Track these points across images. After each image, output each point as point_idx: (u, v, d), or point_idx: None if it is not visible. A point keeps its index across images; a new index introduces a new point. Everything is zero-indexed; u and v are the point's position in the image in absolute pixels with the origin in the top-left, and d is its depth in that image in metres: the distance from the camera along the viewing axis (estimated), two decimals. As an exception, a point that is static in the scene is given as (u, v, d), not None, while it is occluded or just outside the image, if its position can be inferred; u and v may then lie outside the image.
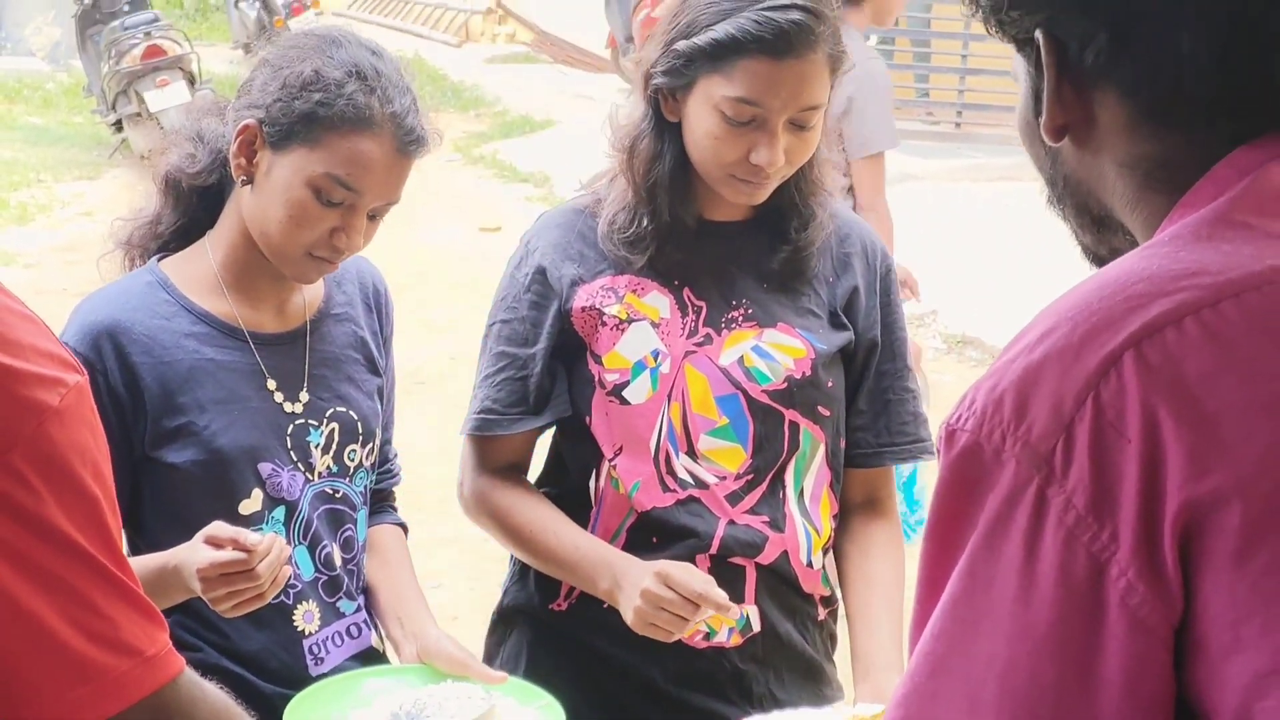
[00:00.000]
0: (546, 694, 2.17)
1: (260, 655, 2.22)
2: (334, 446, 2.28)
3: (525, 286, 2.31)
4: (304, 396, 2.27)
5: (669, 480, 2.26)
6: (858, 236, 2.38)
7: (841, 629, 2.42)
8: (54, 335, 1.37)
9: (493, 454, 2.36)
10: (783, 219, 2.30)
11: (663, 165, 2.24)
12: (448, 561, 5.17)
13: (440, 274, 8.99)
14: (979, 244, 8.90)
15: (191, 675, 1.42)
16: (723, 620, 2.24)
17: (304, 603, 2.25)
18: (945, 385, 6.45)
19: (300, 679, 2.21)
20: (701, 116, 2.18)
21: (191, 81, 11.03)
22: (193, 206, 2.28)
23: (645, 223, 2.25)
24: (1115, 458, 1.01)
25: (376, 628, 2.36)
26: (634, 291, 2.28)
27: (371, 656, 2.34)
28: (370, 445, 2.34)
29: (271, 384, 2.24)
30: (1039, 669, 1.01)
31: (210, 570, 2.00)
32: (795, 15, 2.13)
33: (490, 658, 2.42)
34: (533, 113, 14.39)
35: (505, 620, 2.45)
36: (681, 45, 2.17)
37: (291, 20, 13.33)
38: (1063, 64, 1.16)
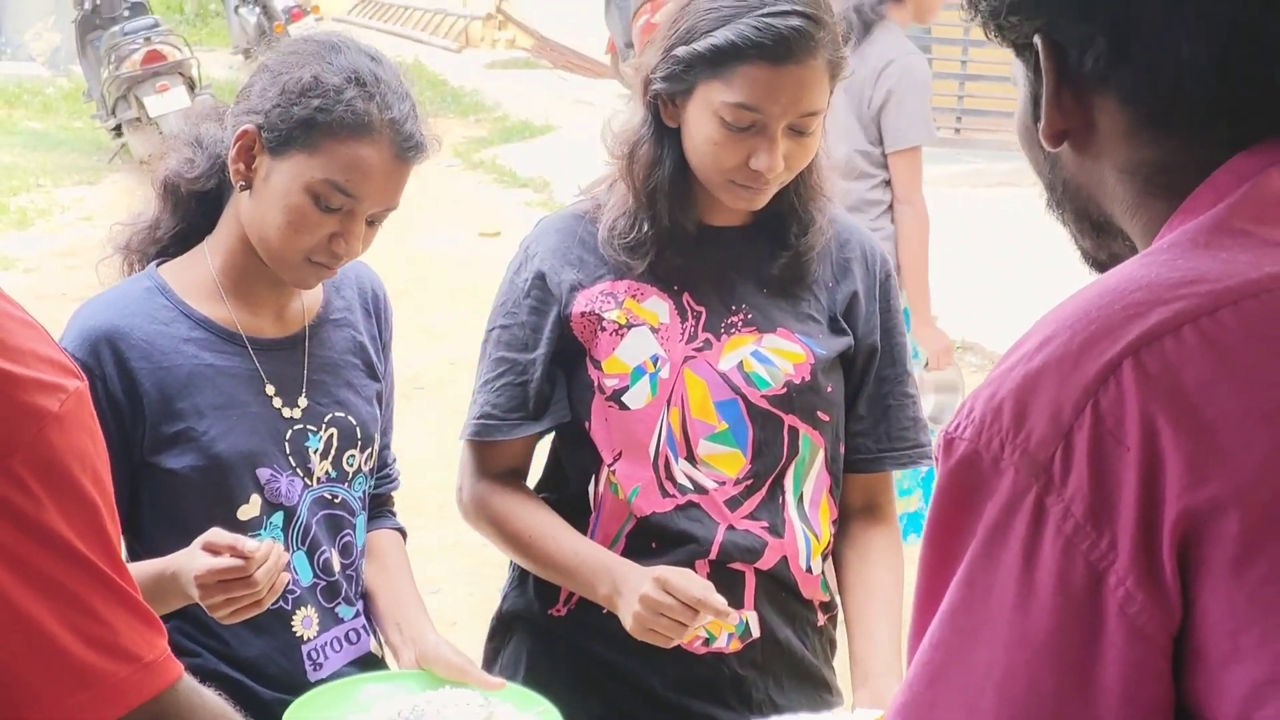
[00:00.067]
0: (545, 700, 2.17)
1: (259, 661, 2.22)
2: (333, 452, 2.28)
3: (525, 292, 2.31)
4: (303, 402, 2.26)
5: (668, 485, 2.26)
6: (857, 242, 2.38)
7: (840, 635, 2.42)
8: (54, 340, 1.37)
9: (492, 459, 2.36)
10: (782, 224, 2.30)
11: (662, 170, 2.24)
12: (447, 567, 5.17)
13: (440, 279, 8.99)
14: (978, 249, 8.90)
15: (190, 681, 1.43)
16: (722, 626, 2.24)
17: (303, 608, 2.25)
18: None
19: (299, 684, 2.20)
20: (701, 122, 2.18)
21: (191, 87, 11.05)
22: (191, 212, 2.28)
23: (645, 228, 2.25)
24: (1114, 466, 1.00)
25: (375, 633, 2.35)
26: (633, 297, 2.28)
27: (370, 662, 2.34)
28: (369, 450, 2.34)
29: (270, 389, 2.24)
30: (1037, 677, 1.01)
31: (208, 577, 2.00)
32: (795, 21, 2.13)
33: (489, 663, 2.42)
34: (532, 118, 14.40)
35: (504, 626, 2.45)
36: (681, 51, 2.18)
37: (291, 26, 13.32)
38: (1062, 69, 1.16)
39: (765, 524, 2.28)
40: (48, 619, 1.29)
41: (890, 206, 4.72)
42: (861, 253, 2.37)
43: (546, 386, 2.30)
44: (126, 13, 11.85)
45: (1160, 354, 1.02)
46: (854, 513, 2.40)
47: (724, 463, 2.26)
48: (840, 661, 2.41)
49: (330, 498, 2.28)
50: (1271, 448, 0.99)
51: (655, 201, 2.24)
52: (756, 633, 2.30)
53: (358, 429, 2.31)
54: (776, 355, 2.27)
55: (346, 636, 2.30)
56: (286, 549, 2.18)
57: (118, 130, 11.62)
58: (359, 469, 2.32)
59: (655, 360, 2.26)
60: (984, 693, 1.03)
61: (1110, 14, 1.13)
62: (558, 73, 17.44)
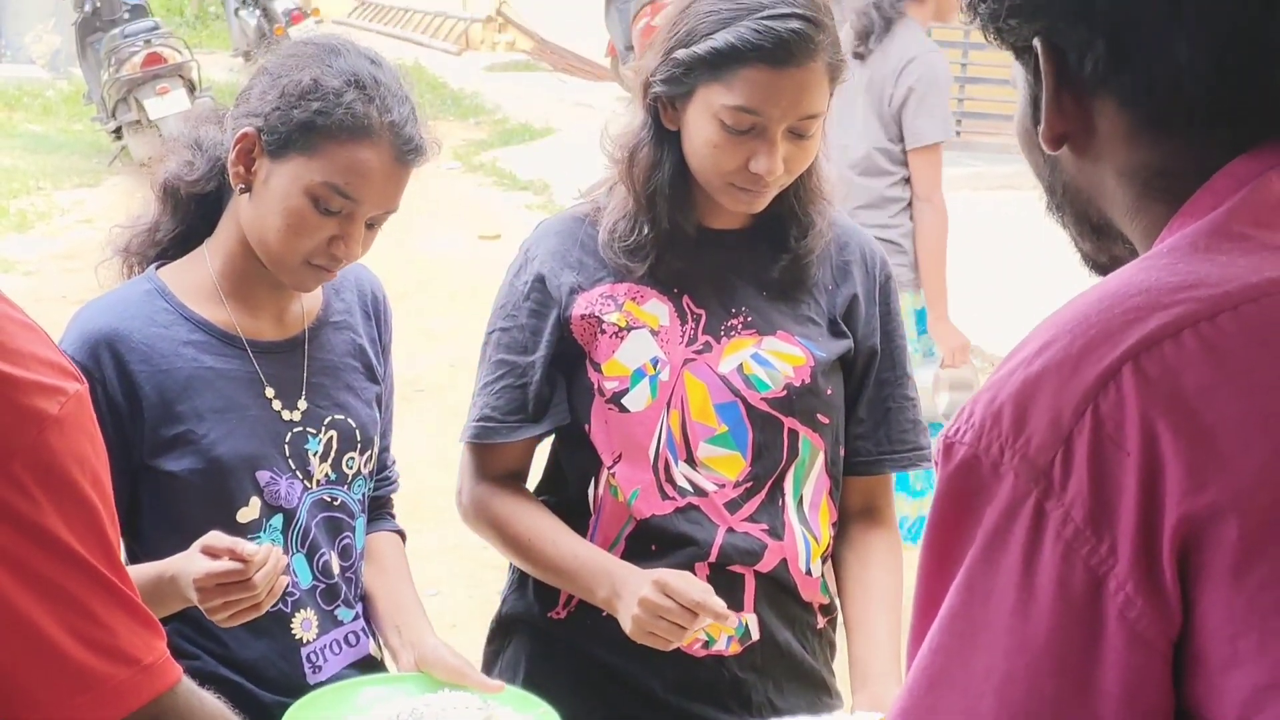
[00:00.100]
0: (544, 703, 2.17)
1: (258, 663, 2.22)
2: (332, 454, 2.28)
3: (524, 294, 2.31)
4: (302, 404, 2.26)
5: (668, 488, 2.26)
6: (857, 245, 2.38)
7: (840, 637, 2.42)
8: (54, 343, 1.37)
9: (492, 462, 2.36)
10: (782, 227, 2.30)
11: (662, 173, 2.24)
12: (446, 569, 5.17)
13: (439, 282, 8.99)
14: (979, 252, 8.89)
15: (189, 684, 1.43)
16: (721, 628, 2.24)
17: (302, 611, 2.25)
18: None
19: (298, 687, 2.20)
20: (701, 125, 2.18)
21: (191, 89, 11.06)
22: (191, 214, 2.28)
23: (645, 231, 2.25)
24: (1114, 471, 1.00)
25: (374, 636, 2.35)
26: (633, 299, 2.28)
27: (369, 665, 2.33)
28: (369, 453, 2.34)
29: (270, 392, 2.24)
30: (1037, 682, 1.01)
31: (206, 580, 2.00)
32: (795, 24, 2.13)
33: (488, 666, 2.42)
34: (532, 121, 14.40)
35: (504, 629, 2.45)
36: (681, 54, 2.18)
37: (292, 28, 13.32)
38: (1061, 72, 1.16)
39: (765, 526, 2.28)
40: (47, 622, 1.29)
41: (909, 203, 4.73)
42: (861, 255, 2.37)
43: (546, 389, 2.30)
44: (127, 15, 11.86)
45: (1160, 359, 1.02)
46: (854, 515, 2.40)
47: (724, 465, 2.26)
48: (840, 664, 2.41)
49: (330, 500, 2.28)
50: (1270, 453, 0.99)
51: (655, 204, 2.24)
52: (756, 635, 2.30)
53: (357, 431, 2.31)
54: (776, 358, 2.27)
55: (346, 639, 2.30)
56: (286, 551, 2.18)
57: (118, 133, 11.63)
58: (358, 471, 2.32)
59: (655, 363, 2.26)
60: (984, 698, 1.02)
61: (1109, 17, 1.13)
62: (558, 75, 17.45)
